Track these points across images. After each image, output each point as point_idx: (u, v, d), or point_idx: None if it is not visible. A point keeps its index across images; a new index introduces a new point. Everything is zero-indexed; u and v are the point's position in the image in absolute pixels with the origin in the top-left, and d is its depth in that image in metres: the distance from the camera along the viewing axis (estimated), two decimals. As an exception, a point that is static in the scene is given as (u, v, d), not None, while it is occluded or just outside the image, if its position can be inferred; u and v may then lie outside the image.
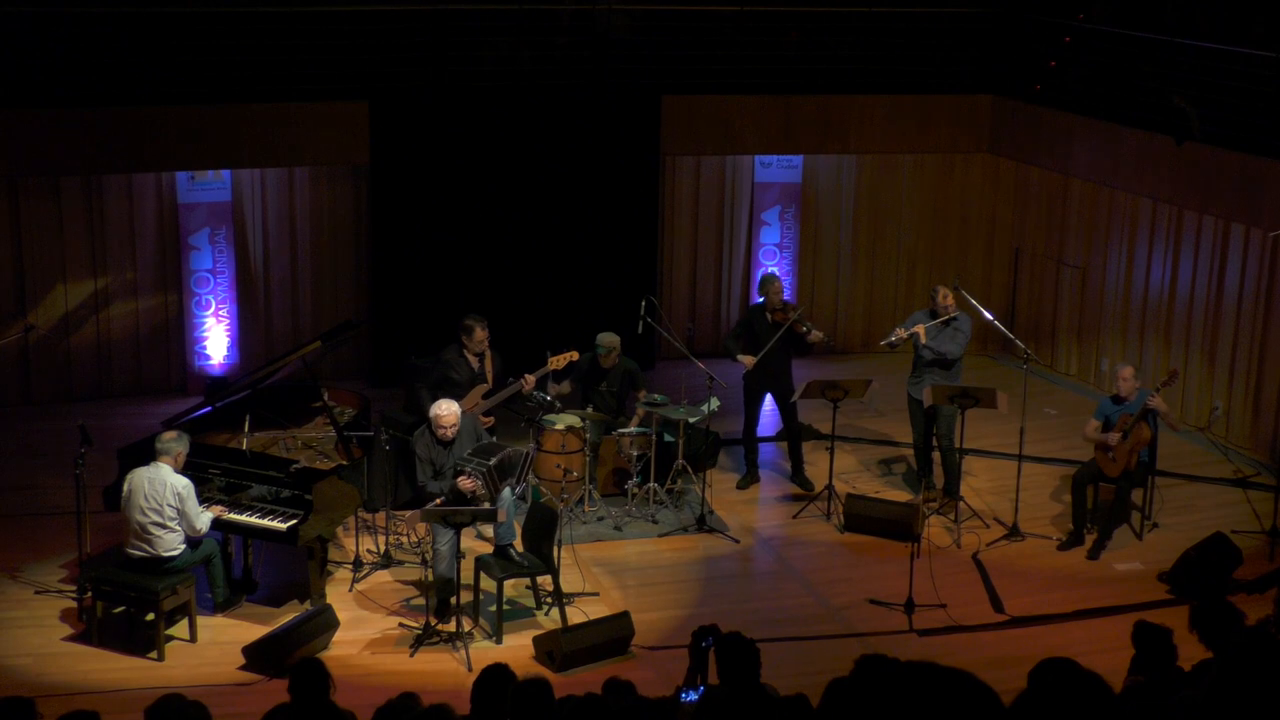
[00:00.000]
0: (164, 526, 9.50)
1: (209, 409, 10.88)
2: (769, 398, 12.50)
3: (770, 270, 15.80)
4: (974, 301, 12.37)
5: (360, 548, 10.83)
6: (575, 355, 11.69)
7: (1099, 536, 11.37)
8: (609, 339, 11.93)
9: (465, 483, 9.90)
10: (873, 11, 15.09)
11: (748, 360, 12.10)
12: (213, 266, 14.26)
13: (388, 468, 11.02)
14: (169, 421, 10.48)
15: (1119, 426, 11.18)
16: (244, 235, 14.45)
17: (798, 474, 12.53)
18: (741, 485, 12.53)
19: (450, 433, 10.09)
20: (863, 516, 11.68)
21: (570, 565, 10.49)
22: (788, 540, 11.70)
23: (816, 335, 12.06)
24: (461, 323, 11.51)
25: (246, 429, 10.53)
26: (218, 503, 10.01)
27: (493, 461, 9.95)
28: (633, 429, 11.77)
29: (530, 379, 11.26)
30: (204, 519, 9.70)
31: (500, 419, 11.75)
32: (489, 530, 10.76)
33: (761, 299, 12.34)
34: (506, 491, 10.21)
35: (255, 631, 9.66)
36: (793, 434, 12.51)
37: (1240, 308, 13.31)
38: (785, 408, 12.28)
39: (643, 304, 11.99)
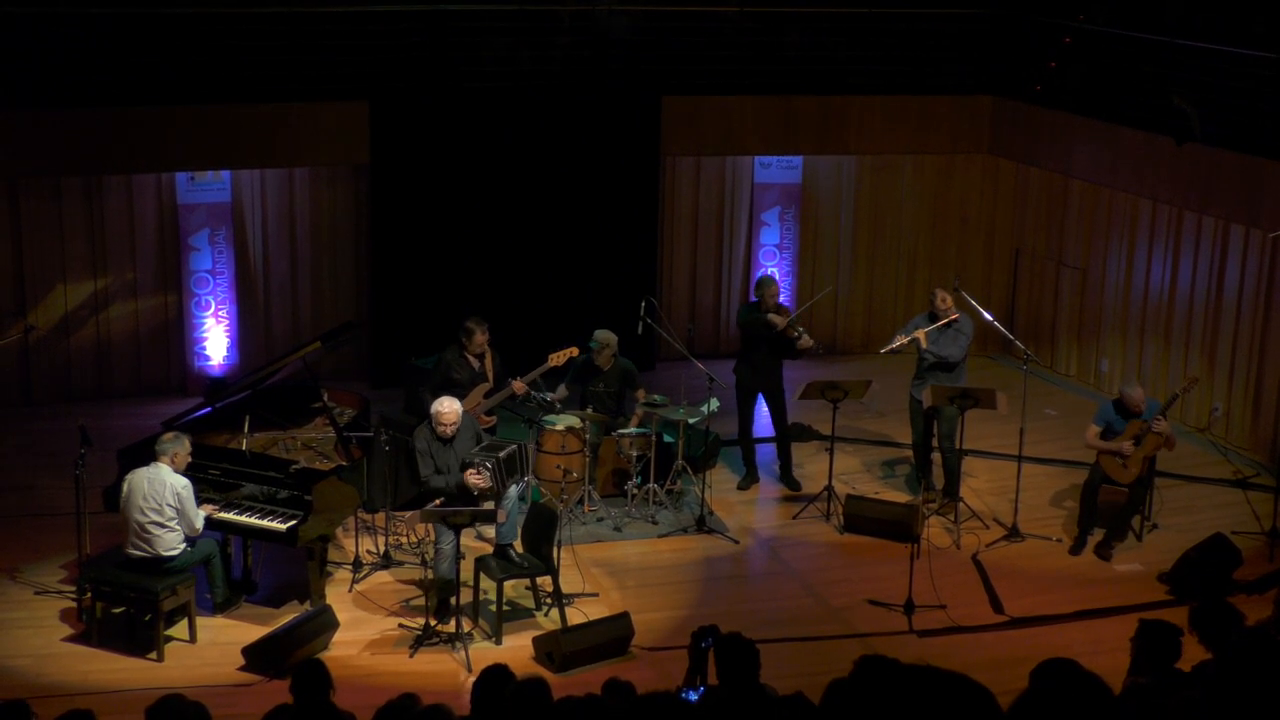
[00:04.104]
0: (163, 526, 9.50)
1: (209, 409, 10.88)
2: (760, 399, 12.49)
3: (769, 272, 15.81)
4: (973, 302, 12.38)
5: (360, 548, 10.83)
6: (575, 351, 11.68)
7: (1107, 536, 11.35)
8: (604, 335, 11.92)
9: (475, 478, 9.89)
10: (873, 12, 15.09)
11: (778, 320, 11.97)
12: (212, 267, 14.25)
13: (387, 468, 11.01)
14: (169, 422, 10.48)
15: (1129, 433, 11.16)
16: (243, 236, 14.45)
17: (785, 474, 12.53)
18: (742, 486, 12.53)
19: (450, 430, 10.08)
20: (862, 517, 11.67)
21: (570, 566, 10.48)
22: (787, 541, 11.70)
23: (807, 342, 12.01)
24: (462, 325, 11.53)
25: (246, 430, 10.53)
26: (209, 501, 10.00)
27: (501, 455, 9.97)
28: (632, 430, 11.77)
29: (518, 384, 11.27)
30: (202, 518, 9.72)
31: (501, 419, 11.75)
32: (489, 531, 10.76)
33: (756, 299, 12.33)
34: (512, 489, 10.22)
35: (255, 632, 9.66)
36: (782, 436, 12.49)
37: (1240, 308, 13.31)
38: (775, 407, 12.27)
39: (642, 304, 11.99)
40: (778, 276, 15.66)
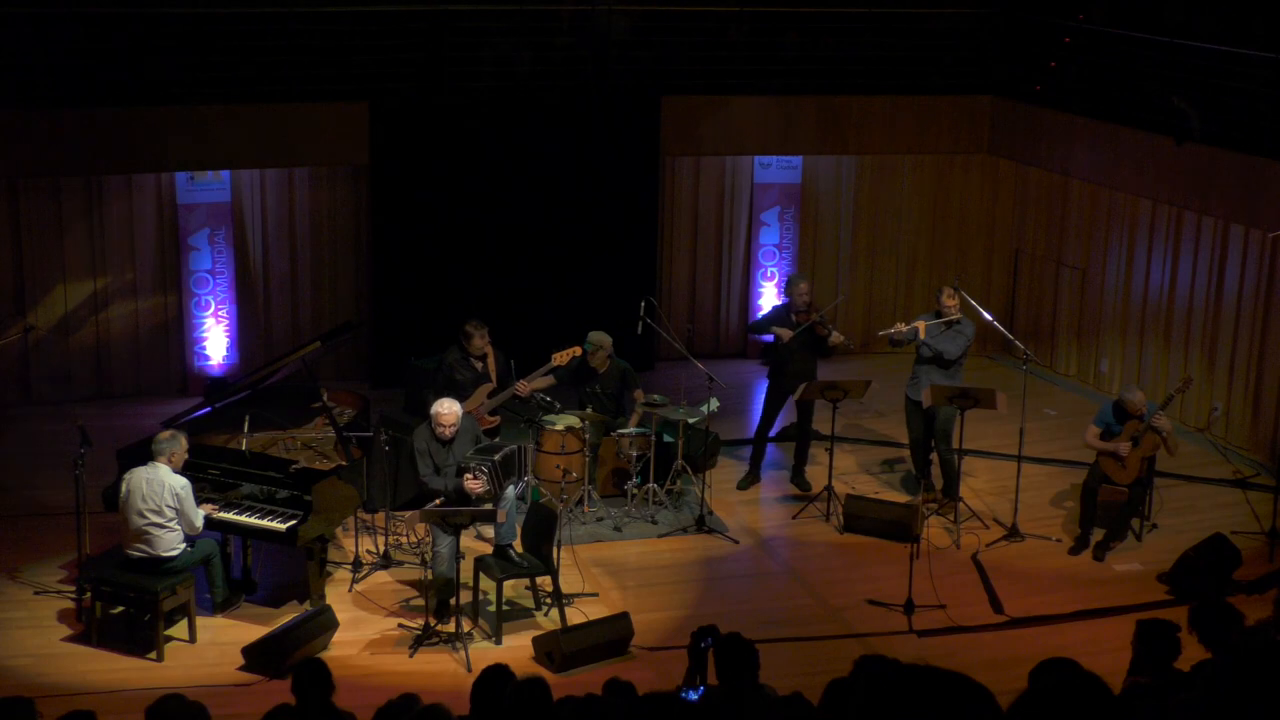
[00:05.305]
0: (163, 527, 9.50)
1: (208, 409, 10.88)
2: (788, 402, 12.45)
3: (770, 272, 15.83)
4: (973, 302, 12.37)
5: (360, 548, 10.83)
6: (579, 351, 11.68)
7: (1106, 537, 11.36)
8: (598, 337, 11.91)
9: (473, 484, 9.89)
10: (873, 12, 15.09)
11: (784, 334, 12.01)
12: (212, 267, 14.25)
13: (387, 468, 11.01)
14: (168, 422, 10.49)
15: (1127, 434, 11.16)
16: (243, 236, 14.45)
17: (798, 474, 12.52)
18: (742, 486, 12.52)
19: (449, 432, 10.09)
20: (862, 517, 11.67)
21: (570, 566, 10.48)
22: (787, 541, 11.70)
23: (838, 338, 12.05)
24: (461, 328, 11.53)
25: (246, 430, 10.53)
26: (208, 500, 10.01)
27: (497, 458, 9.96)
28: (632, 429, 11.77)
29: (525, 385, 11.27)
30: (202, 517, 9.73)
31: (503, 419, 11.74)
32: (489, 531, 10.76)
33: (787, 299, 12.32)
34: (510, 490, 10.22)
35: (254, 632, 9.66)
36: (804, 434, 12.47)
37: (1240, 308, 13.31)
38: (802, 408, 12.25)
39: (642, 305, 11.99)
40: (777, 277, 15.68)
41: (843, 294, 15.38)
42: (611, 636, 9.70)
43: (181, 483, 9.56)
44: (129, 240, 14.11)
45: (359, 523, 11.03)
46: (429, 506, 9.83)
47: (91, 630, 9.68)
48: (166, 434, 9.77)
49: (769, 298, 15.65)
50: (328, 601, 10.05)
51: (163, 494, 9.46)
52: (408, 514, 11.24)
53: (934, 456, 12.15)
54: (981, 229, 16.23)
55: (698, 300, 15.95)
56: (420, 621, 9.84)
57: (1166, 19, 13.73)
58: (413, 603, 10.26)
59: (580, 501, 11.71)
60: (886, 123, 15.35)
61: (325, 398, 10.65)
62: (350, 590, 10.51)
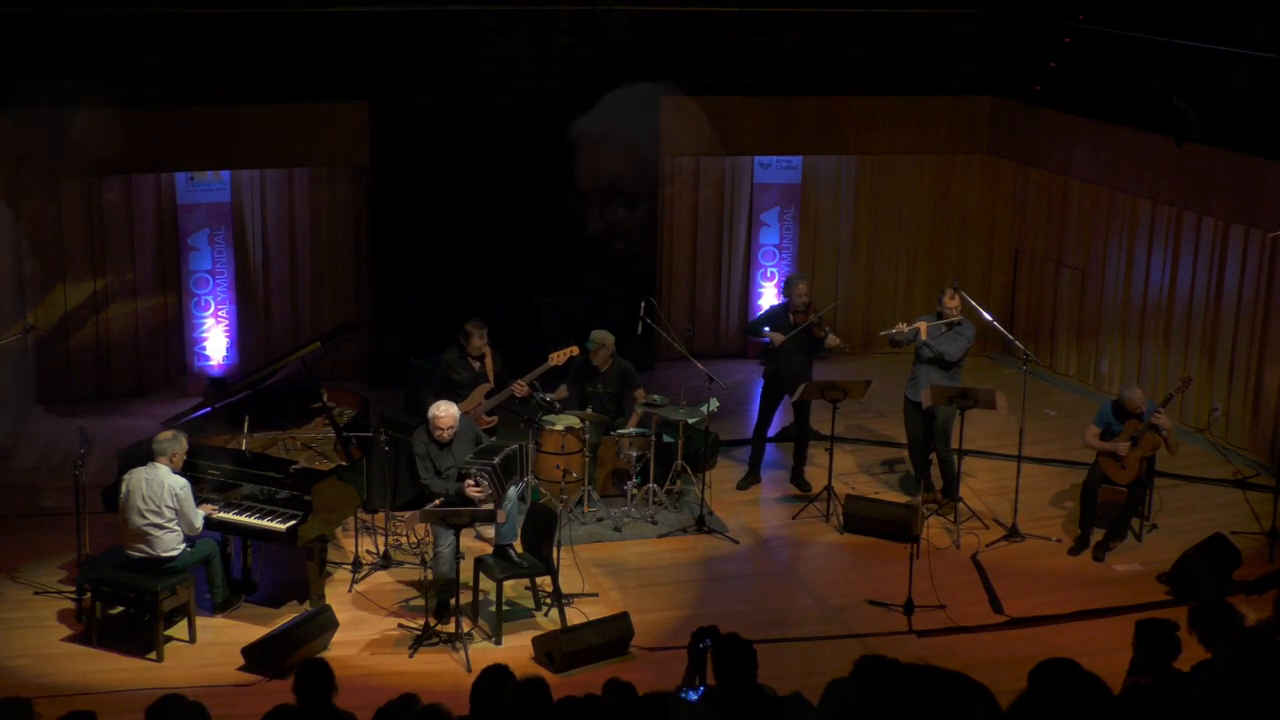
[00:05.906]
0: (163, 527, 9.50)
1: (208, 410, 10.88)
2: (784, 402, 12.46)
3: (770, 272, 15.83)
4: (973, 302, 12.37)
5: (359, 548, 10.83)
6: (575, 350, 11.69)
7: (1106, 537, 11.36)
8: (600, 335, 11.92)
9: (474, 492, 9.88)
10: (872, 12, 15.09)
11: (777, 337, 12.04)
12: (212, 267, 14.25)
13: (387, 468, 11.02)
14: (168, 422, 10.48)
15: (1126, 434, 11.16)
16: (243, 236, 14.45)
17: (797, 474, 12.53)
18: (741, 486, 12.52)
19: (447, 434, 10.08)
20: (862, 517, 11.68)
21: (569, 566, 10.48)
22: (787, 541, 11.70)
23: (834, 340, 12.06)
24: (461, 327, 11.54)
25: (246, 430, 10.53)
26: (208, 500, 10.01)
27: (497, 460, 9.96)
28: (632, 430, 11.77)
29: (522, 385, 11.28)
30: (201, 518, 9.73)
31: (501, 420, 11.75)
32: (489, 531, 10.76)
33: (786, 299, 12.33)
34: (512, 491, 10.22)
35: (254, 632, 9.66)
36: (802, 434, 12.48)
37: (1240, 308, 13.31)
38: (799, 408, 12.26)
39: (642, 305, 11.99)
40: (777, 278, 15.67)
41: (840, 297, 15.40)
42: (611, 637, 9.70)
43: (181, 483, 9.57)
44: (129, 240, 14.11)
45: (359, 523, 11.03)
46: (429, 506, 9.83)
47: (91, 630, 9.68)
48: (167, 434, 9.78)
49: (769, 298, 15.65)
50: (328, 601, 10.05)
51: (162, 494, 9.47)
52: (408, 514, 11.24)
53: (933, 457, 12.16)
54: (981, 229, 16.23)
55: (698, 300, 15.95)
56: (420, 621, 9.84)
57: (1166, 19, 13.72)
58: (413, 603, 10.27)
59: (580, 502, 11.71)
60: (886, 123, 15.34)
61: (325, 398, 10.65)
62: (350, 590, 10.51)
